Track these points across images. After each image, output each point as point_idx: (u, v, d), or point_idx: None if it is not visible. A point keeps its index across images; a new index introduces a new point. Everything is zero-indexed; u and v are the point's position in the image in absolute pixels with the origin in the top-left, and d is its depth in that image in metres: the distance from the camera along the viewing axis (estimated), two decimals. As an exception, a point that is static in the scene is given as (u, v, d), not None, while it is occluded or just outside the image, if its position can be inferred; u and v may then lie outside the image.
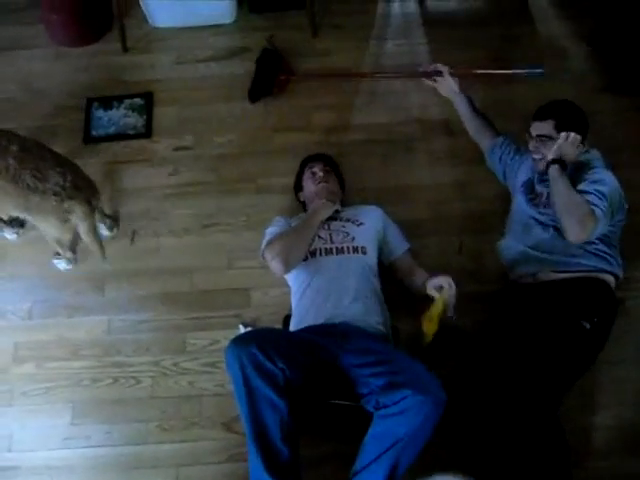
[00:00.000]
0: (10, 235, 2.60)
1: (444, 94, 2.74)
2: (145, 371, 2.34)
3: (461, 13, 3.39)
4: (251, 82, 3.01)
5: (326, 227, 2.34)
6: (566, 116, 2.30)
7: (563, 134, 2.26)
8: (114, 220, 2.63)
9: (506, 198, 2.61)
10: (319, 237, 2.30)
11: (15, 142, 2.20)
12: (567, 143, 2.26)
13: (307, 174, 2.54)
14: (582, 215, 2.09)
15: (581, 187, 2.17)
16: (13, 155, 2.16)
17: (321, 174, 2.50)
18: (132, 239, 2.62)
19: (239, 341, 1.87)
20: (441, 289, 2.07)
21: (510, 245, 2.37)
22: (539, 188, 2.36)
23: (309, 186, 2.50)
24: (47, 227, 2.29)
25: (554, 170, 2.21)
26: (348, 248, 2.27)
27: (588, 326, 2.08)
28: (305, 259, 2.27)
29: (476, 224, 2.59)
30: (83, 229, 2.28)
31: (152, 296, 2.49)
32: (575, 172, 2.24)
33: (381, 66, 3.13)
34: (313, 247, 2.28)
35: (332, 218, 2.37)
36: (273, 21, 3.27)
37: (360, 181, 2.69)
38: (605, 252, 2.22)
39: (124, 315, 2.46)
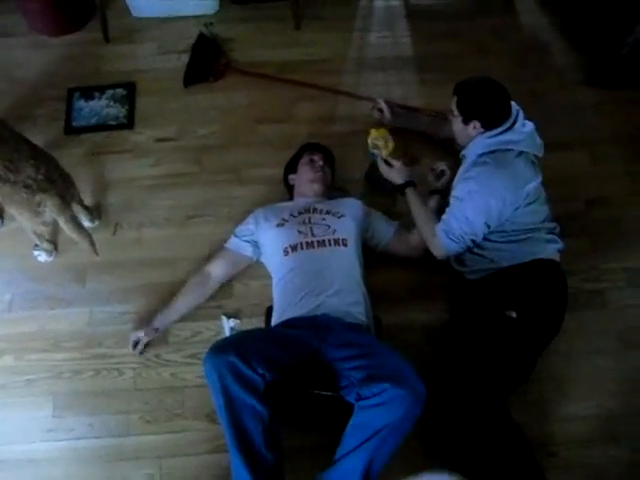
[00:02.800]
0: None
1: (384, 122, 2.78)
2: (127, 363, 2.33)
3: (444, 5, 3.40)
4: (186, 67, 3.03)
5: (307, 221, 2.34)
6: (467, 96, 2.24)
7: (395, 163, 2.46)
8: (96, 211, 2.61)
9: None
10: (299, 231, 2.30)
11: None
12: (393, 171, 2.45)
13: (305, 159, 2.56)
14: (429, 239, 2.29)
15: (450, 199, 2.27)
16: None
17: (321, 163, 2.53)
18: (114, 231, 2.61)
19: (217, 350, 1.87)
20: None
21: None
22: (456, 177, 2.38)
23: (305, 171, 2.52)
24: (21, 218, 2.27)
25: (407, 194, 2.41)
26: (329, 241, 2.27)
27: (514, 315, 2.09)
28: (286, 254, 2.27)
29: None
30: (61, 223, 2.25)
31: (134, 287, 2.48)
32: (477, 159, 2.22)
33: (359, 59, 3.14)
34: (294, 241, 2.28)
35: (313, 210, 2.38)
36: (256, 12, 3.27)
37: (343, 173, 2.69)
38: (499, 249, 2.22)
39: (106, 307, 2.44)
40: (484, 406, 2.00)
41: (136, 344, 2.29)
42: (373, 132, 2.56)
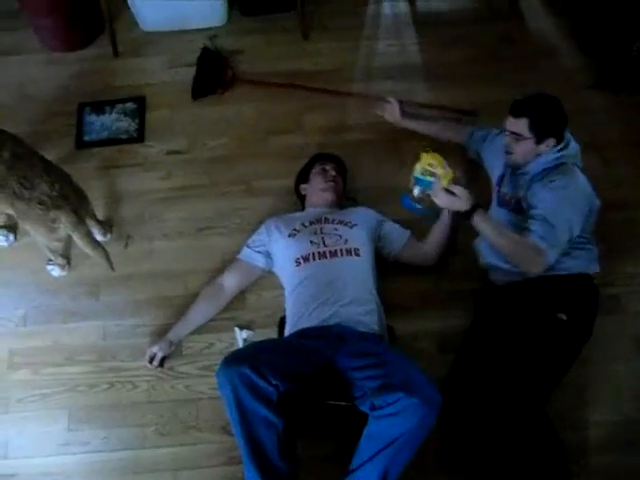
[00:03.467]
0: (0, 242, 2.60)
1: (391, 120, 2.77)
2: (141, 376, 2.33)
3: (452, 12, 3.40)
4: (193, 80, 3.05)
5: (319, 231, 2.34)
6: (541, 116, 2.18)
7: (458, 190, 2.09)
8: (108, 225, 2.62)
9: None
10: (311, 242, 2.30)
11: (7, 148, 2.19)
12: (458, 199, 2.10)
13: (317, 169, 2.56)
14: (526, 255, 2.10)
15: (533, 212, 2.15)
16: (3, 161, 2.14)
17: (333, 173, 2.53)
18: (126, 244, 2.62)
19: (230, 362, 1.86)
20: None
21: (484, 249, 2.34)
22: (505, 189, 2.35)
23: (318, 181, 2.52)
24: (36, 234, 2.28)
25: (477, 219, 2.13)
26: (341, 251, 2.27)
27: (565, 317, 2.08)
28: (298, 264, 2.27)
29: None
30: (75, 238, 2.26)
31: (147, 300, 2.49)
32: (542, 173, 2.20)
33: (367, 68, 3.14)
34: (306, 252, 2.28)
35: (325, 220, 2.38)
36: (264, 23, 3.29)
37: (353, 182, 2.69)
38: (576, 255, 2.19)
39: (119, 320, 2.45)
40: (531, 413, 1.98)
41: (152, 359, 2.30)
42: (425, 157, 2.13)
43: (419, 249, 2.42)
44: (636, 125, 2.87)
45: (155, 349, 2.29)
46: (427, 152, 2.15)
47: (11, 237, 2.60)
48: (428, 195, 2.15)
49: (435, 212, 2.29)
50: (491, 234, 2.15)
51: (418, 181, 2.16)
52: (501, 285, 2.29)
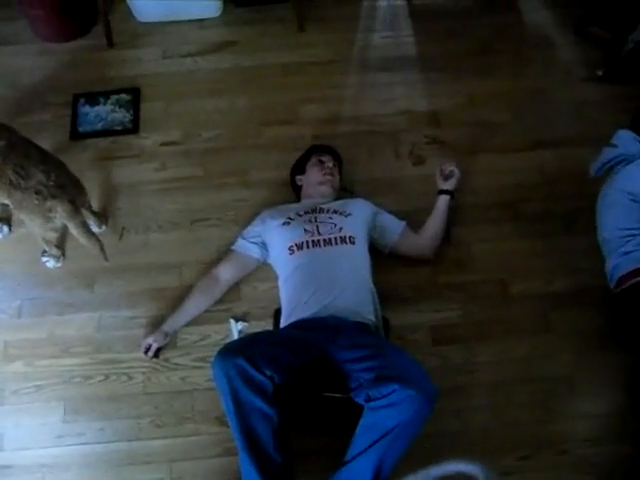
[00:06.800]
0: (-5, 234, 2.59)
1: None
2: (136, 367, 2.33)
3: (448, 4, 3.39)
4: None
5: (313, 219, 2.33)
6: None
7: None
8: (103, 217, 2.62)
9: (493, 190, 2.64)
10: (305, 230, 2.30)
11: (3, 137, 2.18)
12: None
13: (314, 160, 2.55)
14: None
15: None
16: None
17: (330, 165, 2.52)
18: (121, 235, 2.61)
19: (225, 353, 1.87)
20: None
21: None
22: None
23: (314, 173, 2.51)
24: (31, 224, 2.28)
25: None
26: (336, 239, 2.26)
27: None
28: (292, 252, 2.27)
29: (464, 215, 2.60)
30: (71, 228, 2.26)
31: (142, 292, 2.48)
32: None
33: (363, 60, 3.13)
34: (300, 240, 2.27)
35: (320, 210, 2.38)
36: (259, 14, 3.27)
37: (348, 174, 2.69)
38: None
39: (114, 311, 2.45)
40: None
41: (147, 350, 2.30)
42: None
43: (415, 240, 2.43)
44: (629, 118, 2.87)
45: (150, 340, 2.29)
46: None
47: (5, 229, 2.59)
48: None
49: None
50: None
51: None
52: None
